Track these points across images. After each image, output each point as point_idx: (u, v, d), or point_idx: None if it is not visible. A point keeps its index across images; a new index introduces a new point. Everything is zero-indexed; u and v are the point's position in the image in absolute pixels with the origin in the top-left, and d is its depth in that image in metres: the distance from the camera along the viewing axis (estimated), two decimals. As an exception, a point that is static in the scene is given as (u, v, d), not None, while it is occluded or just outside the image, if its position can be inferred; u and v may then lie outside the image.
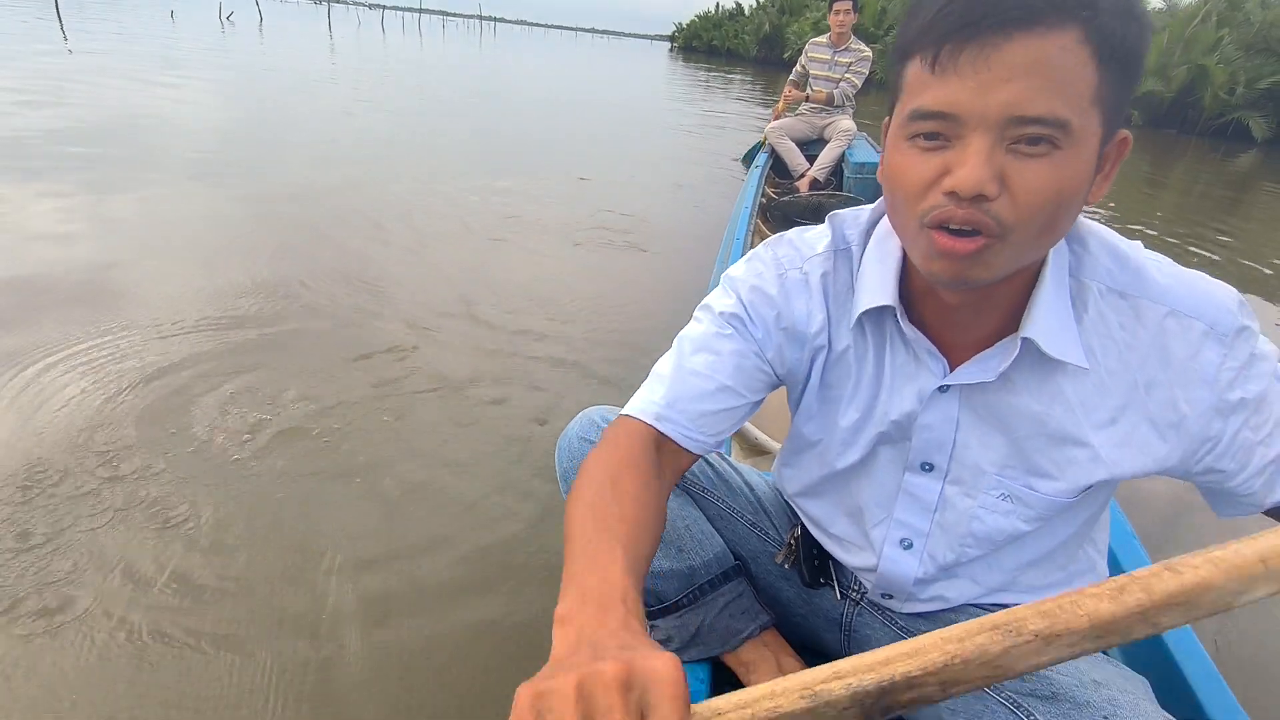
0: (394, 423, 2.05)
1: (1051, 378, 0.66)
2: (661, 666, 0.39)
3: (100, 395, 2.02)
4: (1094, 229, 0.67)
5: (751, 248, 2.62)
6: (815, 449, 0.82)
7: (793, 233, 0.78)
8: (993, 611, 0.61)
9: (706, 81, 20.77)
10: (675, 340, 0.78)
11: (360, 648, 1.33)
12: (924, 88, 0.55)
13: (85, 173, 4.26)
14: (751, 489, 0.99)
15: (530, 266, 3.49)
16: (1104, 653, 0.99)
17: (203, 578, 1.46)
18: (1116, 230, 0.67)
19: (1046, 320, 0.63)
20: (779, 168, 5.06)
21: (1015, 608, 0.46)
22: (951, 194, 0.54)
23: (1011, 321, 0.66)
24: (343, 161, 5.39)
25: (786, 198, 4.24)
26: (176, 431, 1.91)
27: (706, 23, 50.85)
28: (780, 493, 0.98)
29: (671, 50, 54.01)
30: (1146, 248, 0.67)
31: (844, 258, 0.74)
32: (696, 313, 0.79)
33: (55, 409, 1.94)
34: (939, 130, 0.55)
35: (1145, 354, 0.64)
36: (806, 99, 4.83)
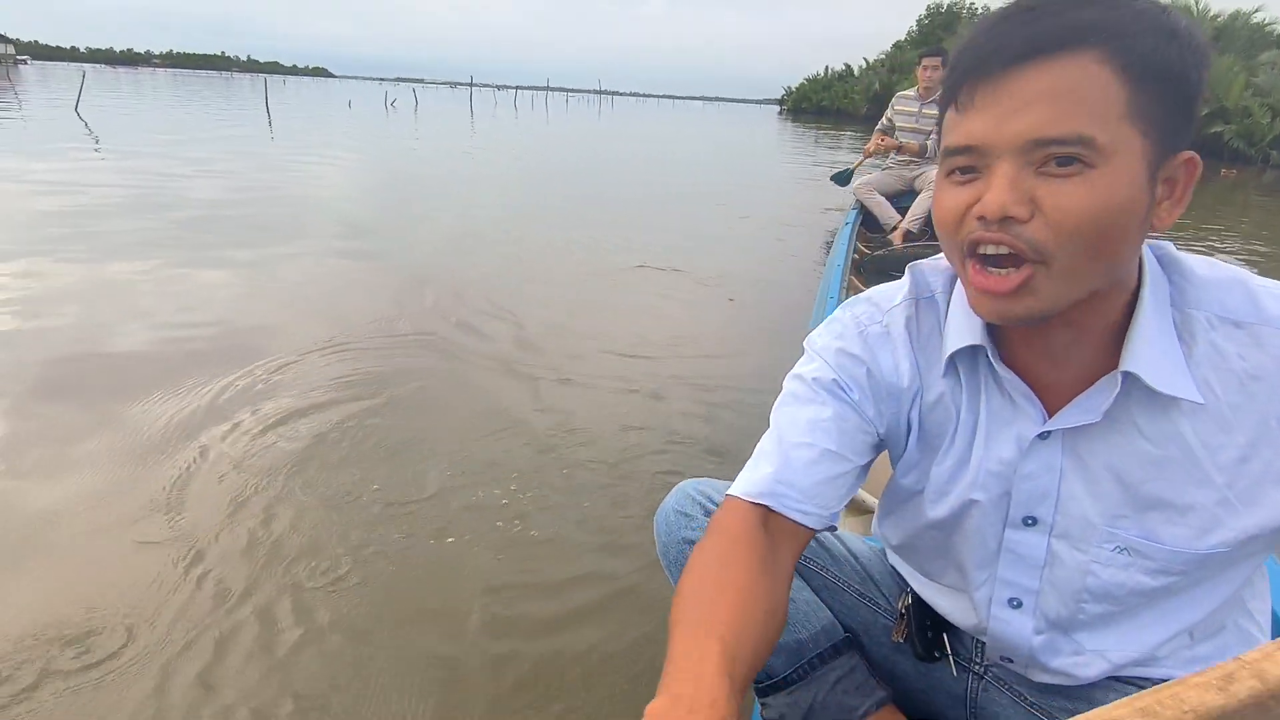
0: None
1: (1165, 415, 0.62)
2: None
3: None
4: (1194, 258, 0.64)
5: None
6: (912, 501, 0.79)
7: (868, 291, 0.78)
8: (1138, 686, 0.65)
9: (815, 139, 21.78)
10: (771, 414, 0.78)
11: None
12: (952, 128, 0.59)
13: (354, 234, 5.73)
14: (856, 558, 0.96)
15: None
16: None
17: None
18: None
19: (1148, 353, 0.60)
20: (869, 223, 4.93)
21: (1111, 705, 0.41)
22: (982, 219, 0.57)
23: (1111, 359, 0.63)
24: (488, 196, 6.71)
25: (881, 251, 4.14)
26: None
27: (815, 85, 52.25)
28: (886, 558, 0.96)
29: (781, 113, 55.68)
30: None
31: (928, 305, 0.74)
32: (786, 383, 0.79)
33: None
34: (969, 164, 0.58)
35: (1275, 384, 0.60)
36: (898, 149, 4.86)
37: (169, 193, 6.25)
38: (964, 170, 0.59)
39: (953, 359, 0.71)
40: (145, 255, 4.13)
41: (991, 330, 0.68)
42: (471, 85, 59.96)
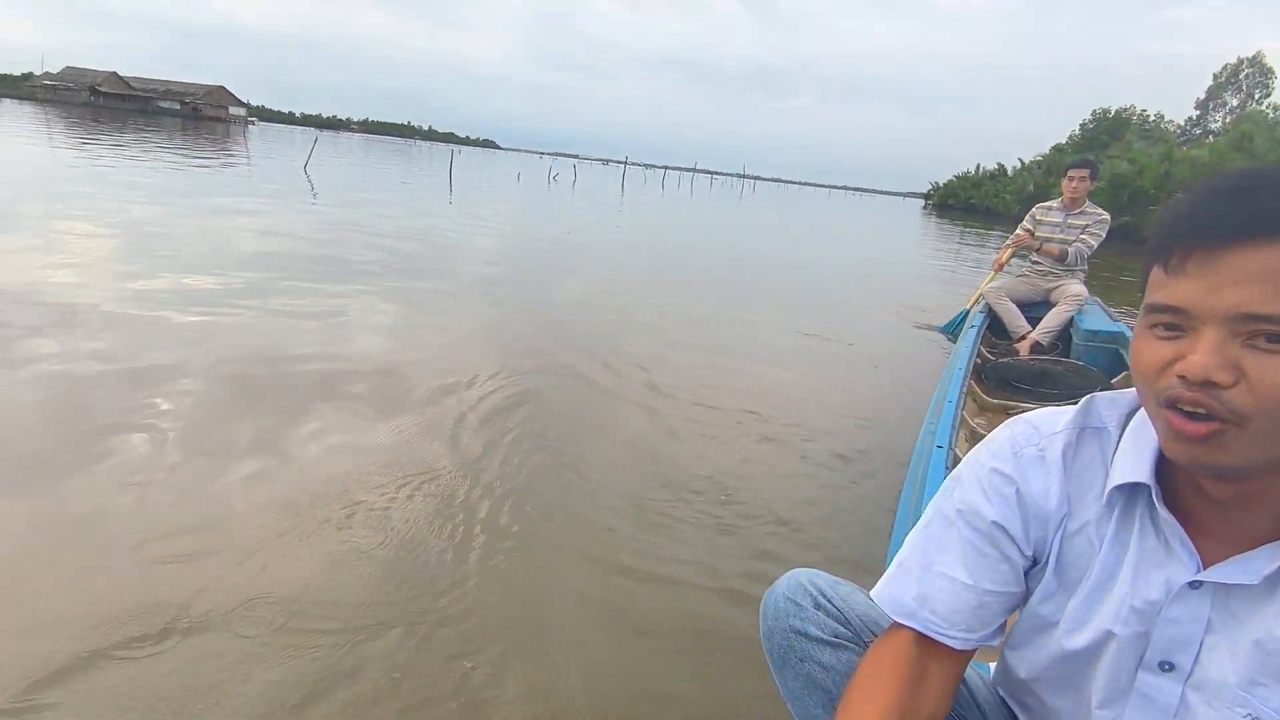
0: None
1: None
2: None
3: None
4: None
5: (964, 410, 2.71)
6: (1048, 631, 0.77)
7: (1033, 413, 0.79)
8: None
9: (961, 235, 21.53)
10: (921, 523, 0.80)
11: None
12: (1159, 286, 0.61)
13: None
14: (964, 680, 0.93)
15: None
16: None
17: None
18: None
19: None
20: (996, 328, 4.70)
21: None
22: (1182, 378, 0.58)
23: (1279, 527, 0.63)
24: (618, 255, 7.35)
25: (1005, 360, 3.98)
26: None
27: (965, 182, 51.40)
28: (993, 686, 0.94)
29: (925, 207, 55.01)
30: None
31: (1094, 435, 0.75)
32: (939, 498, 0.81)
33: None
34: (1174, 322, 0.60)
35: None
36: (1038, 248, 4.63)
37: (374, 244, 7.41)
38: (1167, 326, 0.61)
39: (1113, 492, 0.71)
40: (387, 296, 5.05)
41: (1159, 471, 0.69)
42: (626, 163, 63.75)
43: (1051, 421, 0.77)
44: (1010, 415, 3.13)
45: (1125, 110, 45.00)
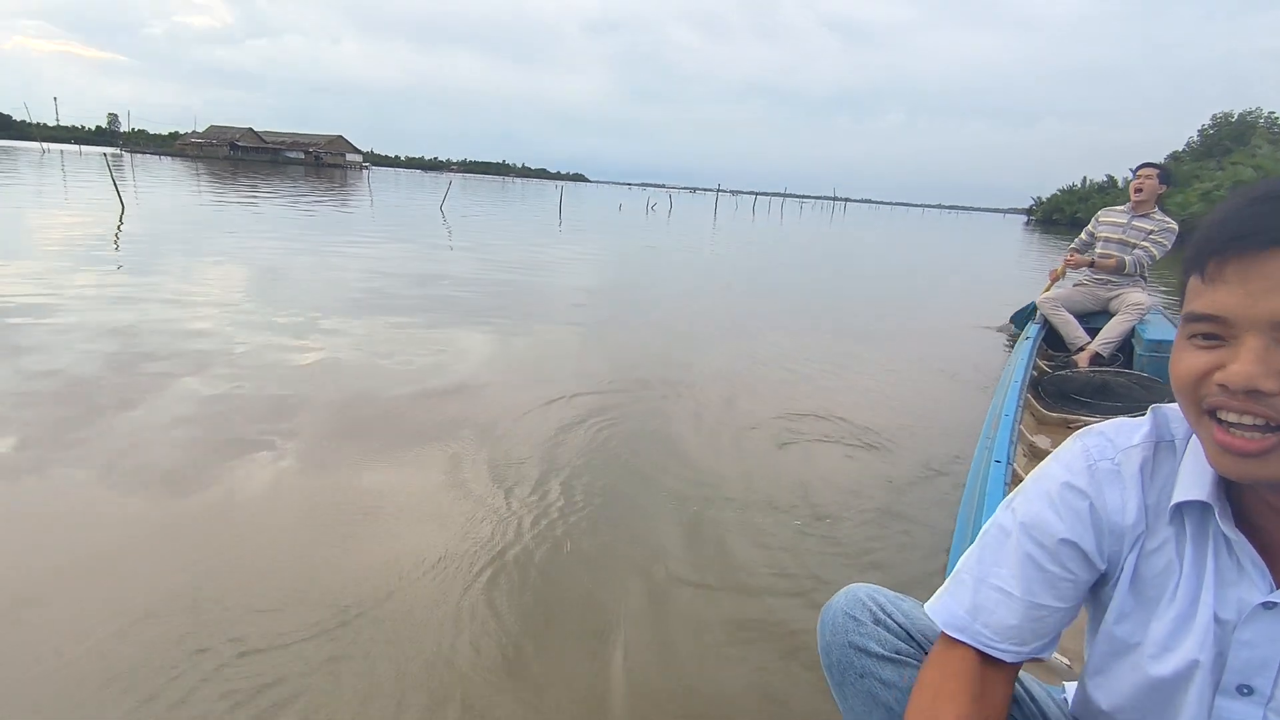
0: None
1: None
2: None
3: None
4: None
5: (1021, 424, 2.76)
6: (1130, 655, 0.73)
7: (1105, 424, 0.76)
8: None
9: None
10: (980, 535, 0.78)
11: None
12: (1197, 295, 0.60)
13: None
14: (1034, 700, 0.91)
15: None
16: None
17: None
18: None
19: None
20: (1052, 340, 4.60)
21: None
22: (1223, 387, 0.58)
23: None
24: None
25: (1063, 372, 3.84)
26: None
27: (1071, 195, 49.45)
28: (1065, 708, 0.91)
29: (1028, 223, 53.07)
30: None
31: (1167, 450, 0.72)
32: (1000, 512, 0.78)
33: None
34: (1213, 331, 0.59)
35: None
36: (1091, 265, 4.50)
37: (512, 280, 8.45)
38: (1206, 336, 0.60)
39: (1180, 509, 0.70)
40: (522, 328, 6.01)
41: (1225, 486, 0.67)
42: (718, 191, 65.16)
43: (1126, 434, 0.75)
44: (1071, 429, 3.71)
45: (1250, 113, 42.17)
